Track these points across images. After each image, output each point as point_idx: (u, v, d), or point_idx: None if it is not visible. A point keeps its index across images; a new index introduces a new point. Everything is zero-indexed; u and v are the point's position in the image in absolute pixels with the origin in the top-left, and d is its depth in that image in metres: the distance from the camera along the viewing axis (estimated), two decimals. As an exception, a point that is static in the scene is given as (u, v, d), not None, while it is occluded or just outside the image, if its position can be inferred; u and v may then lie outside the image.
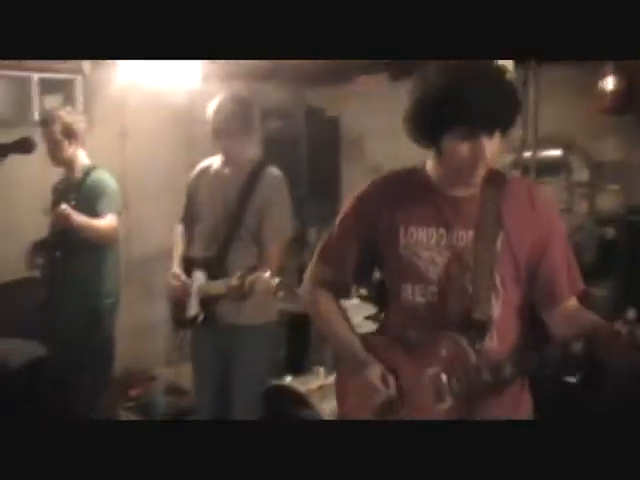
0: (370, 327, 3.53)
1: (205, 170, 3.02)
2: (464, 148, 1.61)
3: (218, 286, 2.70)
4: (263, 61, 4.06)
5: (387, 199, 1.79)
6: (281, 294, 2.53)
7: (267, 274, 2.49)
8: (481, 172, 1.66)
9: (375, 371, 1.74)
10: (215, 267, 2.82)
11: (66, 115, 3.31)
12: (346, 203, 1.90)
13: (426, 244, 1.73)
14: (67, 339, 3.35)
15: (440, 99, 1.57)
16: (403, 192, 1.78)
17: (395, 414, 1.73)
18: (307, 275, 1.95)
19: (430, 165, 1.76)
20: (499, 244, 1.68)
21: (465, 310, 1.68)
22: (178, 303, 2.92)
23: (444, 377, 1.66)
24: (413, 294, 1.75)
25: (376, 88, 4.63)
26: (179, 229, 3.12)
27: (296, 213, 2.94)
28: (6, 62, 4.00)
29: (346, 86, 4.72)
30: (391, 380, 1.73)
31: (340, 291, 1.97)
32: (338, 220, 1.89)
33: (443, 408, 1.66)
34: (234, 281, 2.53)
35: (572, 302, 1.72)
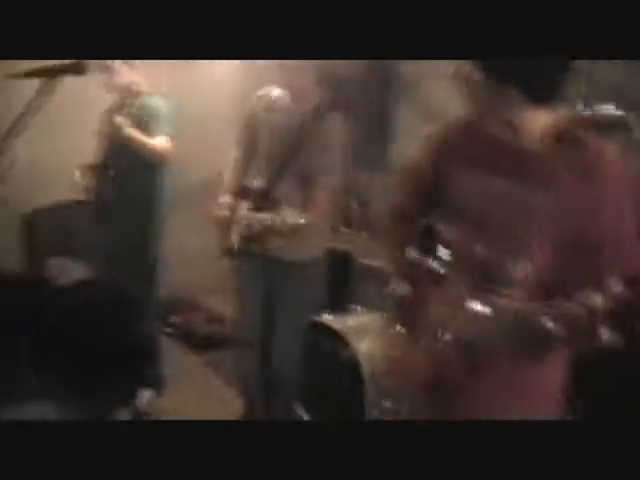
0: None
1: (266, 99, 2.94)
2: None
3: (255, 218, 2.74)
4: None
5: (453, 142, 1.78)
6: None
7: (293, 213, 2.53)
8: None
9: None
10: (262, 199, 2.81)
11: None
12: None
13: (477, 189, 1.67)
14: (116, 259, 3.44)
15: None
16: (469, 137, 1.73)
17: None
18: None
19: None
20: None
21: (488, 263, 1.62)
22: (223, 231, 2.93)
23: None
24: (448, 232, 1.73)
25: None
26: (234, 155, 3.07)
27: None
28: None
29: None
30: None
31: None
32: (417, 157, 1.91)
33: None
34: (268, 217, 2.60)
35: None
